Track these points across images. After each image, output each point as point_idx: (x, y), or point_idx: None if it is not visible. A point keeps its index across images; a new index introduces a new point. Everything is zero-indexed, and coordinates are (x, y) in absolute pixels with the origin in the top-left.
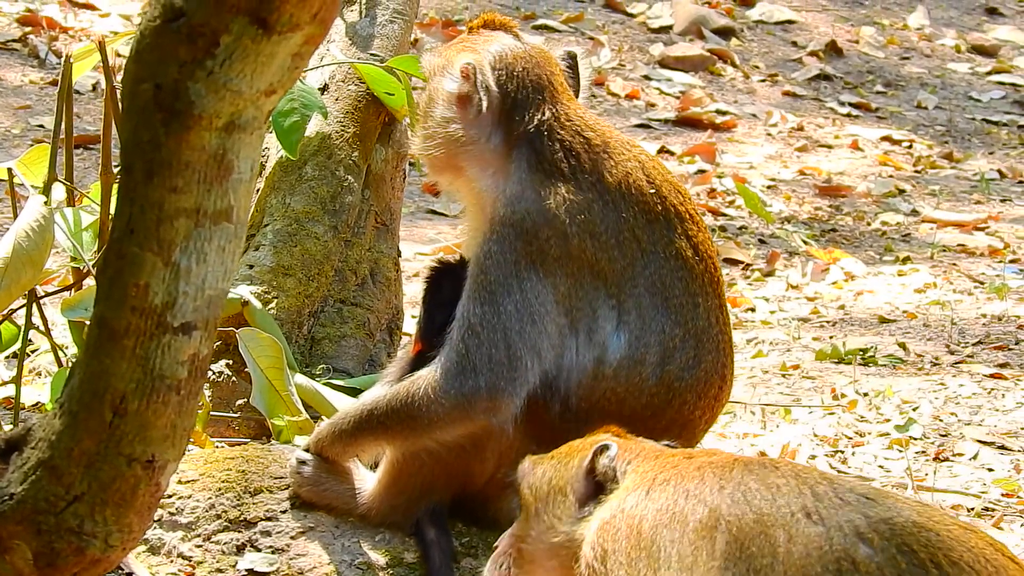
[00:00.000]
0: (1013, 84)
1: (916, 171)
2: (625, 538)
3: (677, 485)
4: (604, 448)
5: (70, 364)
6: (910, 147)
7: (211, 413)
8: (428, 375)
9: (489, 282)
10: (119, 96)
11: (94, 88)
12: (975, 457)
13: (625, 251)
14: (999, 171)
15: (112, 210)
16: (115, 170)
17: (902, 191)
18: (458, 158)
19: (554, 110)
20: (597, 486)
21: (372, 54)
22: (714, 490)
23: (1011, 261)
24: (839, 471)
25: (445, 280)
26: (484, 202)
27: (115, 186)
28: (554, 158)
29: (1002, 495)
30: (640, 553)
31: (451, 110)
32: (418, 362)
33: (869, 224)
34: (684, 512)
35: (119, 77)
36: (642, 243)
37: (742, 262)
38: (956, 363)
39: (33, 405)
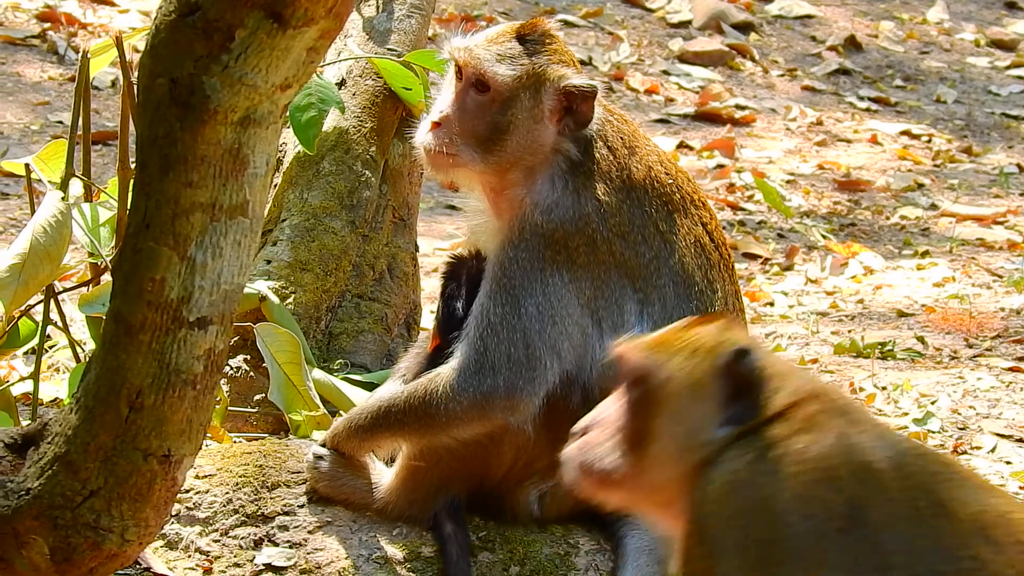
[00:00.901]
0: None
1: (935, 165)
2: (751, 511)
3: (848, 457)
4: (743, 353)
5: (88, 360)
6: (929, 141)
7: (229, 408)
8: (446, 373)
9: (512, 285)
10: (136, 91)
11: (113, 84)
12: (993, 450)
13: (651, 245)
14: (1018, 165)
15: (129, 205)
16: (132, 165)
17: (921, 185)
18: (517, 165)
19: (603, 109)
20: (736, 390)
21: (390, 49)
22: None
23: None
24: None
25: (462, 275)
26: (516, 205)
27: (132, 181)
28: (597, 156)
29: (1020, 488)
30: (764, 533)
31: (548, 125)
32: (435, 357)
33: (888, 218)
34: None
35: (137, 73)
36: (665, 235)
37: (761, 256)
38: (974, 357)
39: (51, 401)
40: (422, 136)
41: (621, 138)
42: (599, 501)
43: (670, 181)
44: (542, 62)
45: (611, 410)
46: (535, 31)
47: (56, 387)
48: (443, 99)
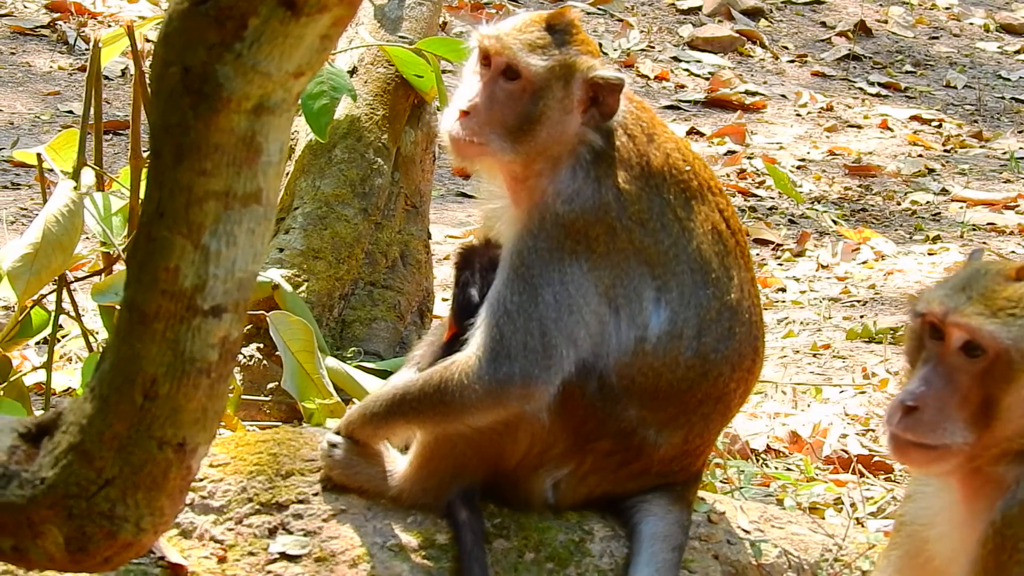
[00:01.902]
0: None
1: (945, 150)
2: None
3: None
4: None
5: (101, 349)
6: (939, 126)
7: (242, 396)
8: (461, 360)
9: (531, 274)
10: (148, 80)
11: (123, 73)
12: None
13: (670, 232)
14: None
15: (142, 194)
16: (144, 154)
17: (932, 170)
18: (543, 155)
19: (624, 98)
20: None
21: (401, 36)
22: None
23: None
24: (871, 450)
25: (475, 263)
26: (537, 193)
27: (144, 170)
28: (617, 144)
29: None
30: None
31: (575, 116)
32: (451, 346)
33: (899, 204)
34: None
35: (148, 62)
36: (683, 222)
37: (772, 242)
38: None
39: (64, 390)
40: (449, 124)
41: (640, 125)
42: (925, 473)
43: (687, 168)
44: (572, 53)
45: (938, 381)
46: (563, 20)
47: (69, 376)
48: (469, 87)
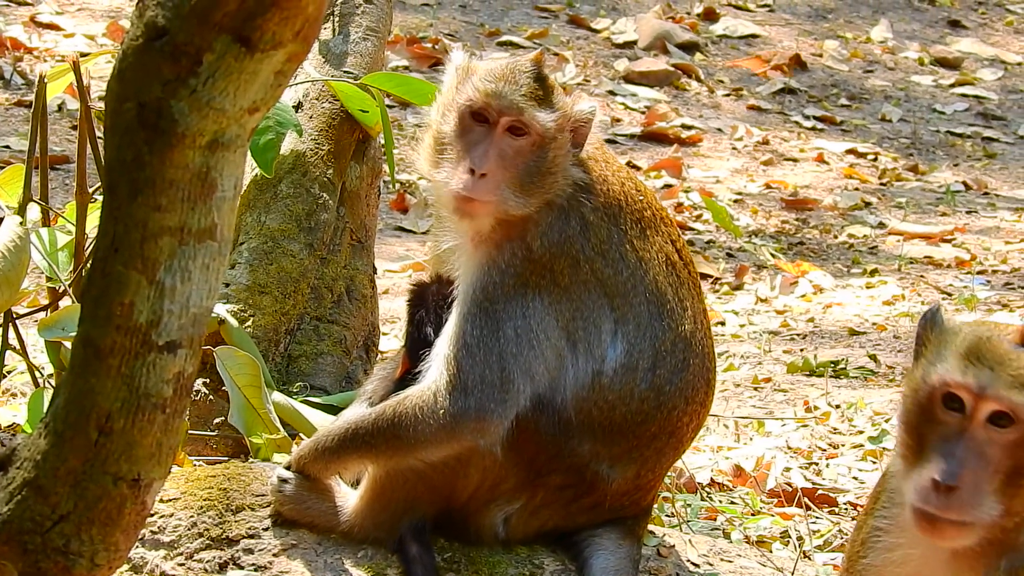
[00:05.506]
0: (976, 96)
1: (882, 184)
2: None
3: None
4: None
5: (46, 384)
6: (875, 160)
7: (189, 431)
8: (416, 394)
9: (495, 309)
10: (94, 116)
11: (59, 108)
12: None
13: (628, 263)
14: (964, 183)
15: (87, 230)
16: (91, 190)
17: (868, 204)
18: (545, 198)
19: None
20: None
21: (346, 71)
22: None
23: (978, 272)
24: (815, 484)
25: (428, 299)
26: (512, 230)
27: (91, 206)
28: (579, 177)
29: None
30: None
31: (569, 157)
32: (404, 381)
33: (836, 237)
34: None
35: (92, 97)
36: (640, 252)
37: (711, 276)
38: None
39: (8, 426)
40: (462, 185)
41: (601, 158)
42: (950, 546)
43: (641, 198)
44: (563, 100)
45: (971, 457)
46: (543, 66)
47: (14, 412)
48: (468, 145)
